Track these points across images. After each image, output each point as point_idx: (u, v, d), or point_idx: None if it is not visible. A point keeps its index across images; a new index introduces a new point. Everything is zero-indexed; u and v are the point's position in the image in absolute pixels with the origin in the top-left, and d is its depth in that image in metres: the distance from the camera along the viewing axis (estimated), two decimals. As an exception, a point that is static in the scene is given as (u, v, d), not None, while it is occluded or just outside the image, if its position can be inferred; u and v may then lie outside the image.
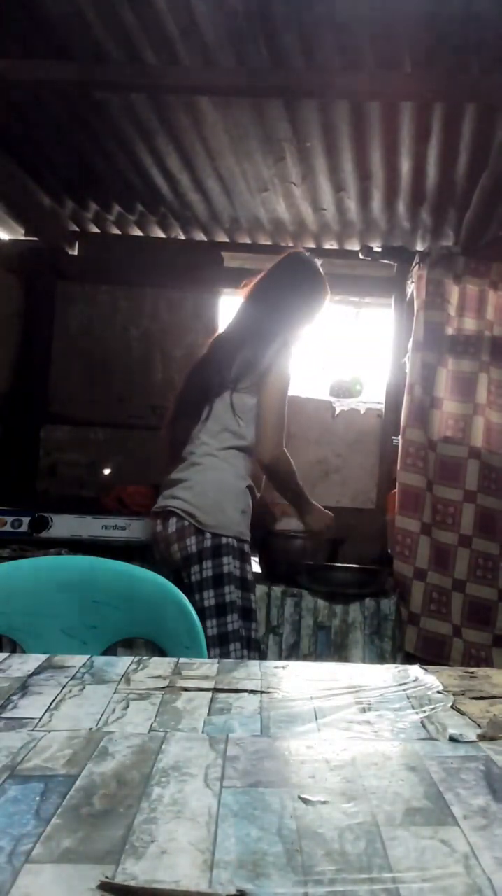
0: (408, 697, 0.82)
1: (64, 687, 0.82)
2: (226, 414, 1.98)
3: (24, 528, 2.53)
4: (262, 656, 2.11)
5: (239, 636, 1.87)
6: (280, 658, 2.29)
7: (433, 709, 0.78)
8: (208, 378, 2.04)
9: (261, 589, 2.34)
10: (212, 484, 1.95)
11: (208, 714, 0.75)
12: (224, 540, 1.90)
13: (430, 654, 2.48)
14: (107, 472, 3.14)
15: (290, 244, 3.27)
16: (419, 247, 3.10)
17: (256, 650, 1.95)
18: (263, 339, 2.02)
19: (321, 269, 2.18)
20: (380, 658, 2.35)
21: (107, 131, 2.48)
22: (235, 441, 1.98)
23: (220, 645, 1.84)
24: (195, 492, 1.94)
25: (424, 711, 0.77)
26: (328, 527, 2.26)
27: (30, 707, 0.75)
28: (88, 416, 3.18)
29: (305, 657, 2.31)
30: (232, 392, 1.99)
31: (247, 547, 1.97)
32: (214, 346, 2.13)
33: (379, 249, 3.03)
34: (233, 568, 1.90)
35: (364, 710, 0.77)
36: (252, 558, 2.03)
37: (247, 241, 3.29)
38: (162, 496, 2.03)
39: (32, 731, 0.69)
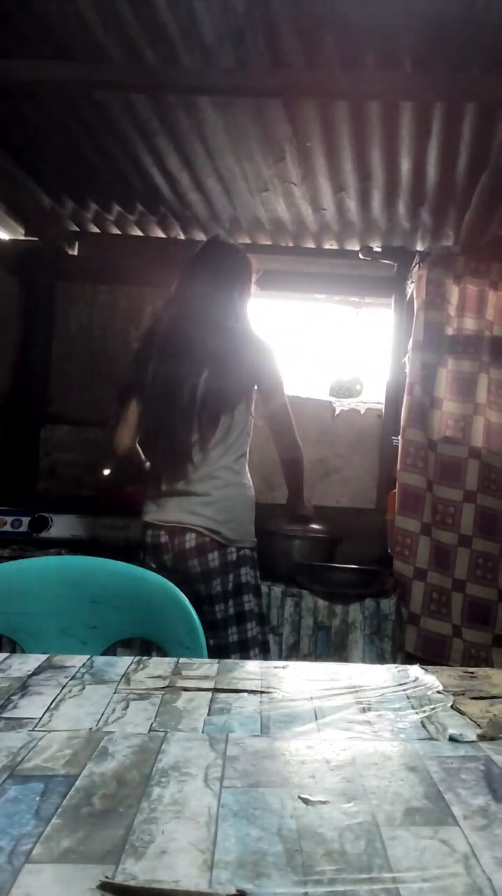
0: (408, 697, 0.82)
1: (64, 687, 0.82)
2: (244, 422, 1.99)
3: (24, 528, 2.53)
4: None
5: (257, 642, 1.93)
6: (280, 658, 2.29)
7: (433, 709, 0.78)
8: (225, 387, 1.95)
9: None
10: (233, 499, 1.95)
11: (208, 714, 0.75)
12: (243, 552, 1.94)
13: (430, 654, 2.48)
14: (107, 472, 3.14)
15: (290, 244, 3.28)
16: (419, 247, 3.10)
17: (268, 651, 2.02)
18: (255, 341, 2.04)
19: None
20: (380, 658, 2.35)
21: (107, 131, 2.48)
22: (244, 448, 2.00)
23: (241, 651, 1.89)
24: (218, 508, 1.92)
25: (424, 711, 0.77)
26: (310, 514, 2.39)
27: (30, 707, 0.75)
28: (88, 416, 3.18)
29: (305, 657, 2.31)
30: (248, 399, 2.00)
31: (256, 554, 2.01)
32: (202, 350, 1.98)
33: (379, 249, 3.02)
34: (250, 577, 1.95)
35: (364, 710, 0.77)
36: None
37: (247, 241, 3.28)
38: (164, 508, 1.95)
39: (32, 731, 0.69)
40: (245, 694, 0.82)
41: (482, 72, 2.00)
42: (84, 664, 0.91)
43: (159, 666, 0.92)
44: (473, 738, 0.70)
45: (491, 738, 0.69)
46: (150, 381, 2.01)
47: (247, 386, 1.99)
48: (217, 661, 0.96)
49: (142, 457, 2.12)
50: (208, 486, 1.93)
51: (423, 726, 0.73)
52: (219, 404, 1.94)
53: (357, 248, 3.12)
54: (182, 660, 0.96)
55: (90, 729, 0.70)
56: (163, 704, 0.77)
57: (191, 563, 1.91)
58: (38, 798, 0.55)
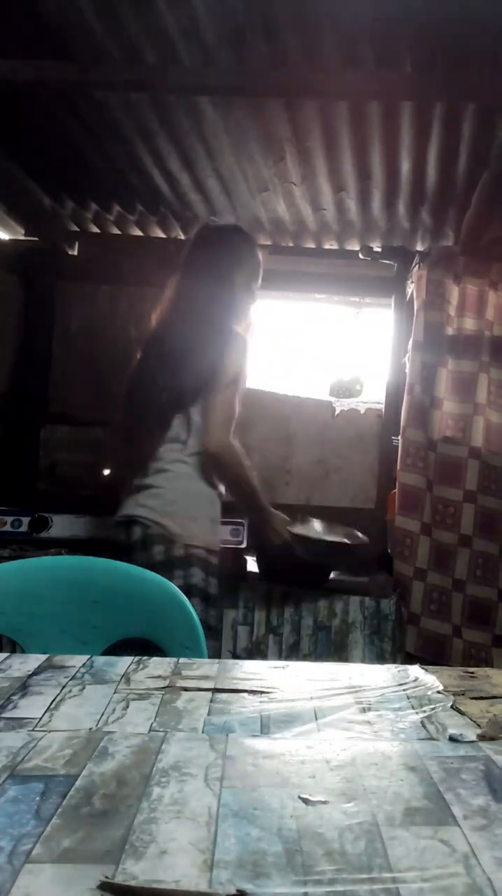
0: (408, 697, 0.82)
1: (64, 687, 0.82)
2: (200, 419, 1.90)
3: (24, 528, 2.53)
4: (262, 656, 2.11)
5: None
6: (280, 658, 2.30)
7: (433, 709, 0.78)
8: (179, 385, 1.91)
9: (261, 589, 2.35)
10: (181, 491, 1.86)
11: (208, 714, 0.75)
12: (193, 550, 1.81)
13: (430, 654, 2.48)
14: (107, 472, 3.14)
15: (290, 244, 3.27)
16: (419, 247, 3.09)
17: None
18: (221, 336, 1.95)
19: (244, 233, 2.17)
20: (380, 658, 2.35)
21: (107, 131, 2.48)
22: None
23: None
24: (164, 500, 1.85)
25: (424, 711, 0.77)
26: (284, 538, 2.07)
27: (30, 707, 0.75)
28: (88, 417, 3.18)
29: (305, 657, 2.31)
30: (205, 398, 1.89)
31: (214, 558, 1.86)
32: (166, 350, 1.98)
33: (379, 249, 3.02)
34: (198, 580, 1.80)
35: (364, 710, 0.77)
36: (218, 570, 1.89)
37: (247, 241, 3.28)
38: (124, 505, 1.94)
39: (32, 731, 0.69)
40: (245, 694, 0.82)
41: (482, 72, 2.00)
42: (84, 664, 0.91)
43: (159, 666, 0.92)
44: (473, 738, 0.70)
45: (491, 738, 0.69)
46: (132, 387, 2.02)
47: (203, 382, 1.89)
48: (217, 661, 0.96)
49: None
50: (158, 479, 1.88)
51: (423, 726, 0.73)
52: (172, 404, 1.90)
53: (357, 248, 3.12)
54: (182, 660, 0.96)
55: (90, 729, 0.70)
56: (163, 704, 0.77)
57: (138, 557, 1.78)
58: (38, 798, 0.55)
